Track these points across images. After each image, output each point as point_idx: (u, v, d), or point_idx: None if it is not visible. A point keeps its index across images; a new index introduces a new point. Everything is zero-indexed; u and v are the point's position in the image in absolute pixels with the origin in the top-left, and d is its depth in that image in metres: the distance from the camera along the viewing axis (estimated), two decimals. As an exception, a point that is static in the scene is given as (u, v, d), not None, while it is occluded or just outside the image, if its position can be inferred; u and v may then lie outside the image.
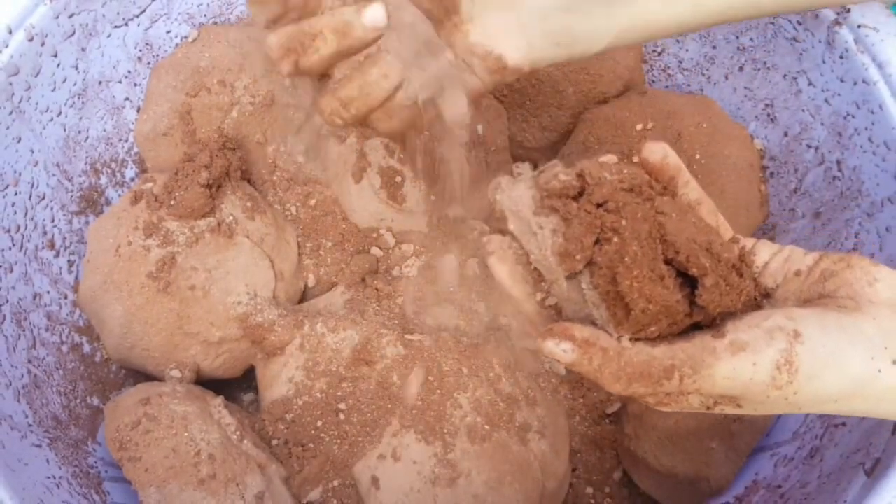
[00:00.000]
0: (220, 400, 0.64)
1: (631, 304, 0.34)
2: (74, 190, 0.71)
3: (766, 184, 0.74)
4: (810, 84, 0.69)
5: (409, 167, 0.71)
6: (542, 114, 0.79)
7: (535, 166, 0.84)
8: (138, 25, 0.72)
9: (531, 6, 0.48)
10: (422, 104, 0.47)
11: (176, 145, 0.72)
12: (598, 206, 0.35)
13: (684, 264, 0.34)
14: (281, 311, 0.67)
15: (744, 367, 0.35)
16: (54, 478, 0.58)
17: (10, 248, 0.64)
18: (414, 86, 0.46)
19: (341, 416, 0.63)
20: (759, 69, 0.74)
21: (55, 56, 0.66)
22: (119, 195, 0.75)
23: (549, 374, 0.71)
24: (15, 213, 0.65)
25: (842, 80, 0.65)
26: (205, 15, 0.77)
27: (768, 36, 0.72)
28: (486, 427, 0.62)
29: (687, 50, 0.81)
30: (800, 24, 0.68)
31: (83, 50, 0.68)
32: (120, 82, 0.73)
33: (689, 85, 0.82)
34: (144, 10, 0.72)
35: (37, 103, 0.66)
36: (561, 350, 0.35)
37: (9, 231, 0.64)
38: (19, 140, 0.65)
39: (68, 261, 0.70)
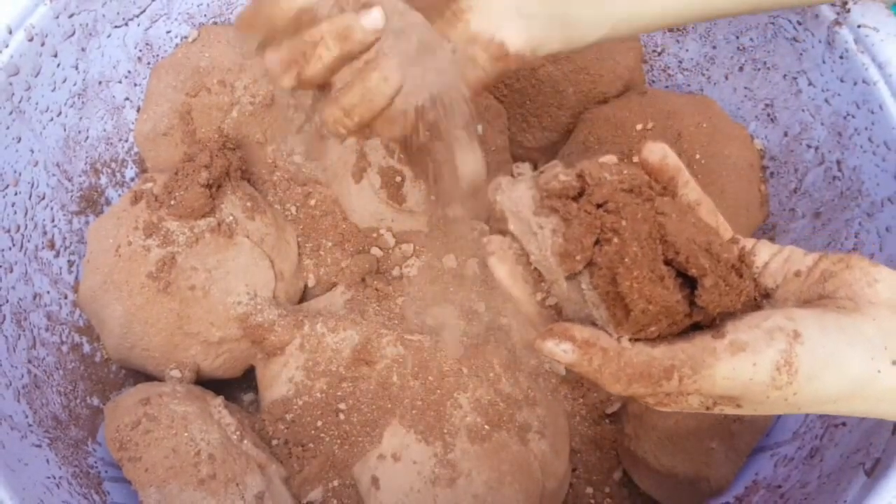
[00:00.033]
0: (220, 400, 0.64)
1: (631, 305, 0.34)
2: (74, 190, 0.71)
3: (766, 184, 0.74)
4: (810, 84, 0.69)
5: (409, 167, 0.71)
6: (542, 114, 0.79)
7: (535, 166, 0.84)
8: (138, 25, 0.72)
9: None
10: (422, 106, 0.47)
11: (176, 145, 0.72)
12: (598, 206, 0.35)
13: (684, 265, 0.34)
14: (281, 311, 0.67)
15: (743, 368, 0.35)
16: (54, 478, 0.58)
17: (10, 248, 0.64)
18: (412, 90, 0.46)
19: (341, 416, 0.63)
20: (759, 69, 0.74)
21: (55, 56, 0.66)
22: (119, 195, 0.75)
23: (549, 374, 0.71)
24: (15, 213, 0.65)
25: (842, 80, 0.65)
26: (205, 15, 0.77)
27: (768, 36, 0.72)
28: (486, 427, 0.62)
29: (687, 50, 0.81)
30: (800, 24, 0.68)
31: (83, 50, 0.68)
32: (120, 82, 0.73)
33: (689, 85, 0.82)
34: (144, 10, 0.72)
35: (37, 103, 0.66)
36: (561, 350, 0.35)
37: (9, 231, 0.64)
38: (19, 140, 0.65)
39: (68, 261, 0.70)
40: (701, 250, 0.34)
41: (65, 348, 0.67)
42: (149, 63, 0.75)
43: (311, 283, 0.73)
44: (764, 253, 0.42)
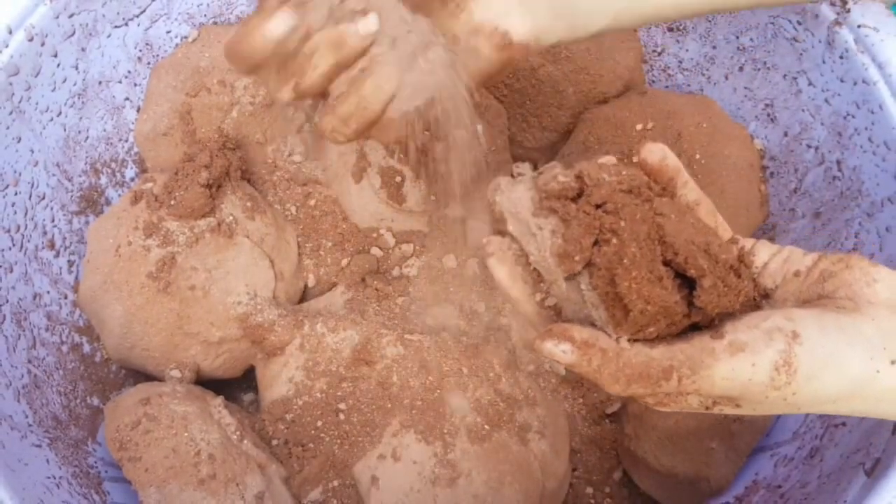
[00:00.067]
0: (220, 400, 0.64)
1: (629, 305, 0.34)
2: (74, 190, 0.71)
3: (766, 184, 0.74)
4: (810, 84, 0.69)
5: (409, 167, 0.71)
6: (542, 114, 0.79)
7: (535, 166, 0.84)
8: (138, 25, 0.72)
9: None
10: (417, 111, 0.47)
11: (176, 145, 0.72)
12: (597, 207, 0.35)
13: (682, 265, 0.34)
14: (281, 311, 0.67)
15: (742, 368, 0.35)
16: (54, 478, 0.58)
17: (10, 248, 0.64)
18: (408, 96, 0.46)
19: (341, 416, 0.63)
20: (759, 69, 0.74)
21: (55, 56, 0.66)
22: (119, 195, 0.75)
23: (549, 374, 0.71)
24: (15, 213, 0.65)
25: (842, 80, 0.65)
26: (205, 15, 0.77)
27: (768, 36, 0.72)
28: (486, 427, 0.62)
29: (687, 50, 0.81)
30: (800, 24, 0.68)
31: (83, 50, 0.68)
32: (120, 82, 0.73)
33: (689, 85, 0.82)
34: (144, 10, 0.72)
35: (37, 103, 0.66)
36: (560, 351, 0.36)
37: (9, 231, 0.64)
38: (19, 140, 0.65)
39: (68, 261, 0.70)
40: (699, 251, 0.34)
41: (65, 348, 0.67)
42: (149, 63, 0.75)
43: (311, 283, 0.73)
44: (763, 253, 0.42)
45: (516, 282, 0.40)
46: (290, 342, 0.66)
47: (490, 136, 0.76)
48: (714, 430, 0.65)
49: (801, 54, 0.69)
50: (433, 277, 0.73)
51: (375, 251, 0.73)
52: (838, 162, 0.67)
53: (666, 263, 0.35)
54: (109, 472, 0.64)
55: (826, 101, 0.68)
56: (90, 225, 0.68)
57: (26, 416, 0.59)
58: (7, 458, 0.54)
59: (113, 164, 0.74)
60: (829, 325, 0.36)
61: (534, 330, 0.39)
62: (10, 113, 0.63)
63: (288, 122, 0.74)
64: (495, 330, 0.71)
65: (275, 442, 0.64)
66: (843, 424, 0.59)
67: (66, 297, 0.69)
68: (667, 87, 0.84)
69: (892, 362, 0.36)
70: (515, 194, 0.39)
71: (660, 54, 0.83)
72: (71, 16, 0.66)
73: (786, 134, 0.73)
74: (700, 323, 0.36)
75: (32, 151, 0.66)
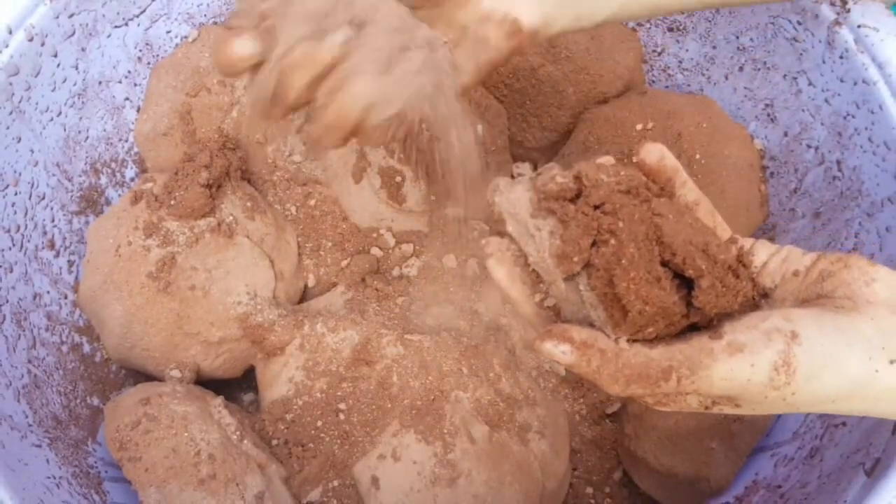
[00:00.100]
0: (220, 400, 0.64)
1: (628, 306, 0.34)
2: (74, 190, 0.71)
3: (766, 184, 0.74)
4: (810, 84, 0.69)
5: (409, 167, 0.71)
6: (542, 114, 0.79)
7: (535, 166, 0.84)
8: (138, 25, 0.72)
9: None
10: (400, 115, 0.47)
11: (176, 145, 0.72)
12: (595, 208, 0.35)
13: (681, 266, 0.34)
14: (281, 311, 0.67)
15: (741, 369, 0.35)
16: (54, 478, 0.58)
17: (10, 248, 0.64)
18: (386, 101, 0.46)
19: (341, 416, 0.63)
20: (759, 69, 0.74)
21: (55, 56, 0.66)
22: (119, 195, 0.75)
23: (549, 374, 0.71)
24: (15, 213, 0.65)
25: (842, 80, 0.65)
26: (205, 15, 0.77)
27: (768, 36, 0.72)
28: (486, 427, 0.62)
29: (687, 50, 0.81)
30: (800, 24, 0.68)
31: (83, 50, 0.68)
32: (120, 82, 0.73)
33: (689, 85, 0.82)
34: (144, 10, 0.72)
35: (37, 103, 0.66)
36: (559, 351, 0.36)
37: (9, 231, 0.64)
38: (19, 140, 0.65)
39: (68, 261, 0.70)
40: (698, 251, 0.34)
41: (65, 348, 0.67)
42: (149, 63, 0.75)
43: (311, 283, 0.73)
44: (762, 253, 0.42)
45: (515, 282, 0.40)
46: (290, 342, 0.66)
47: (490, 136, 0.76)
48: (714, 430, 0.65)
49: (801, 54, 0.69)
50: (433, 277, 0.73)
51: (375, 251, 0.73)
52: (838, 162, 0.67)
53: (664, 264, 0.35)
54: (109, 472, 0.64)
55: (826, 101, 0.68)
56: (90, 225, 0.68)
57: (26, 416, 0.59)
58: (7, 458, 0.54)
59: (113, 164, 0.74)
60: (828, 325, 0.36)
61: (533, 330, 0.39)
62: (10, 113, 0.64)
63: (288, 121, 0.74)
64: (495, 330, 0.71)
65: (275, 442, 0.64)
66: (843, 424, 0.59)
67: (66, 297, 0.69)
68: (667, 87, 0.84)
69: (891, 362, 0.36)
70: (514, 195, 0.39)
71: (660, 54, 0.83)
72: (71, 16, 0.66)
73: (786, 134, 0.73)
74: (699, 323, 0.36)
75: (32, 151, 0.66)
